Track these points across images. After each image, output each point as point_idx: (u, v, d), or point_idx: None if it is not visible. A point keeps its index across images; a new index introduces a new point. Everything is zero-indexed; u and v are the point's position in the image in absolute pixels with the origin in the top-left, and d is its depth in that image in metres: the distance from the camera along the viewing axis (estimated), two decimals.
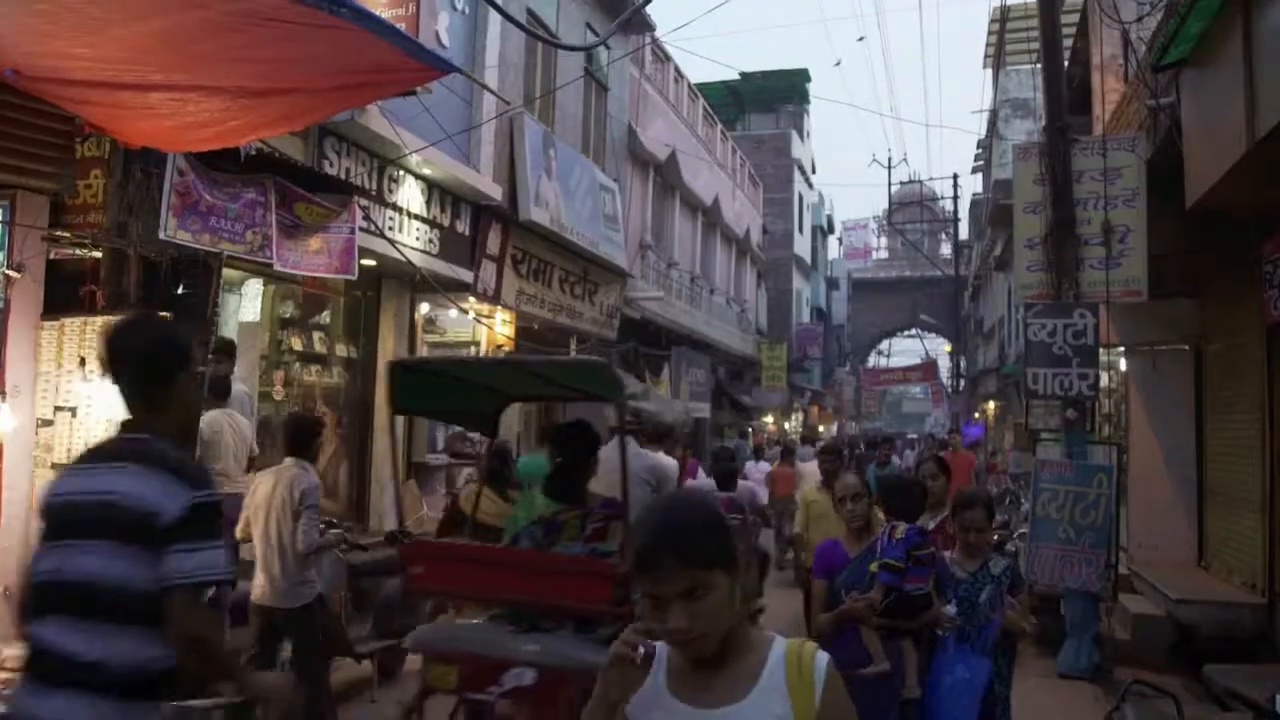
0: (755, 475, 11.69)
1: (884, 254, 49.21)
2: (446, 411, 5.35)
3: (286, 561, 4.80)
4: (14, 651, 4.35)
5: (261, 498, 4.87)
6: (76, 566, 2.21)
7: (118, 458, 2.32)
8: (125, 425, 2.43)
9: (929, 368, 36.55)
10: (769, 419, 28.21)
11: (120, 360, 2.45)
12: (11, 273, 4.73)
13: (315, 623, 5.02)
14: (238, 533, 4.95)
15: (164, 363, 2.45)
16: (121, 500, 2.22)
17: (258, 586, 4.83)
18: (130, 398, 2.45)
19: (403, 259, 8.21)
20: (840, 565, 3.83)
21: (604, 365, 4.28)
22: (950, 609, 3.70)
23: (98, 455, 2.41)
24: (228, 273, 6.53)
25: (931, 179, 48.12)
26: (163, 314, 4.60)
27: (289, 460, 4.93)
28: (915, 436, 32.19)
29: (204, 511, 2.27)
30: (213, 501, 2.32)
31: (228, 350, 6.27)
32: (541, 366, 4.94)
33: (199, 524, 2.25)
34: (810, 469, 9.64)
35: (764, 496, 10.65)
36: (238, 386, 6.55)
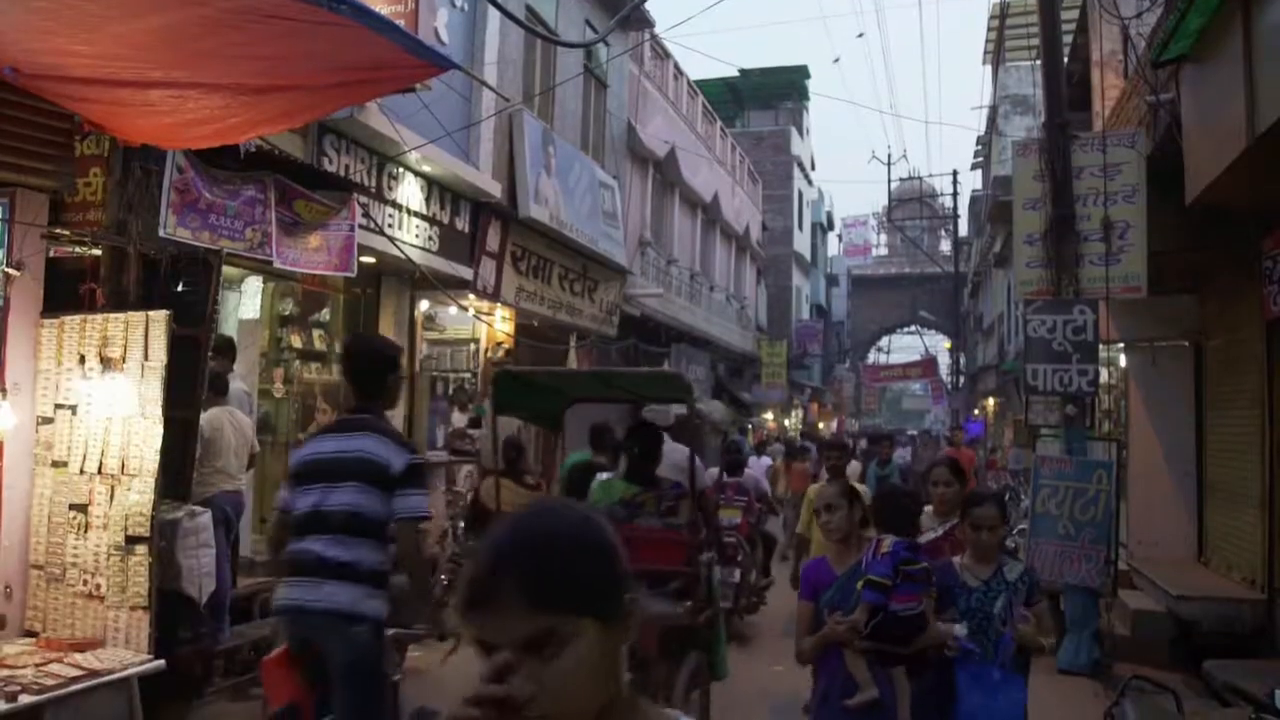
0: (756, 469, 11.83)
1: (884, 251, 49.18)
2: (526, 411, 6.15)
3: None
4: (14, 649, 4.36)
5: None
6: (335, 499, 3.33)
7: (358, 428, 3.45)
8: (354, 409, 3.62)
9: (929, 364, 36.53)
10: (769, 416, 28.23)
11: (354, 364, 3.70)
12: (11, 270, 4.72)
13: None
14: None
15: (382, 368, 3.61)
16: (368, 455, 3.35)
17: None
18: (359, 390, 3.60)
19: (402, 256, 8.21)
20: (826, 584, 3.50)
21: (678, 376, 5.72)
22: (960, 629, 3.33)
23: (342, 427, 3.59)
24: (227, 270, 6.52)
25: (931, 175, 48.05)
26: (166, 310, 4.62)
27: None
28: (914, 434, 32.16)
29: (417, 468, 3.43)
30: (421, 461, 3.51)
31: (226, 347, 6.28)
32: (626, 378, 5.94)
33: (415, 477, 3.39)
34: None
35: (766, 487, 10.97)
36: (236, 384, 6.54)
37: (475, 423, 10.07)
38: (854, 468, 9.98)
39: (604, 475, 5.67)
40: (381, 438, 3.38)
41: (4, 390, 4.61)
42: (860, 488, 5.02)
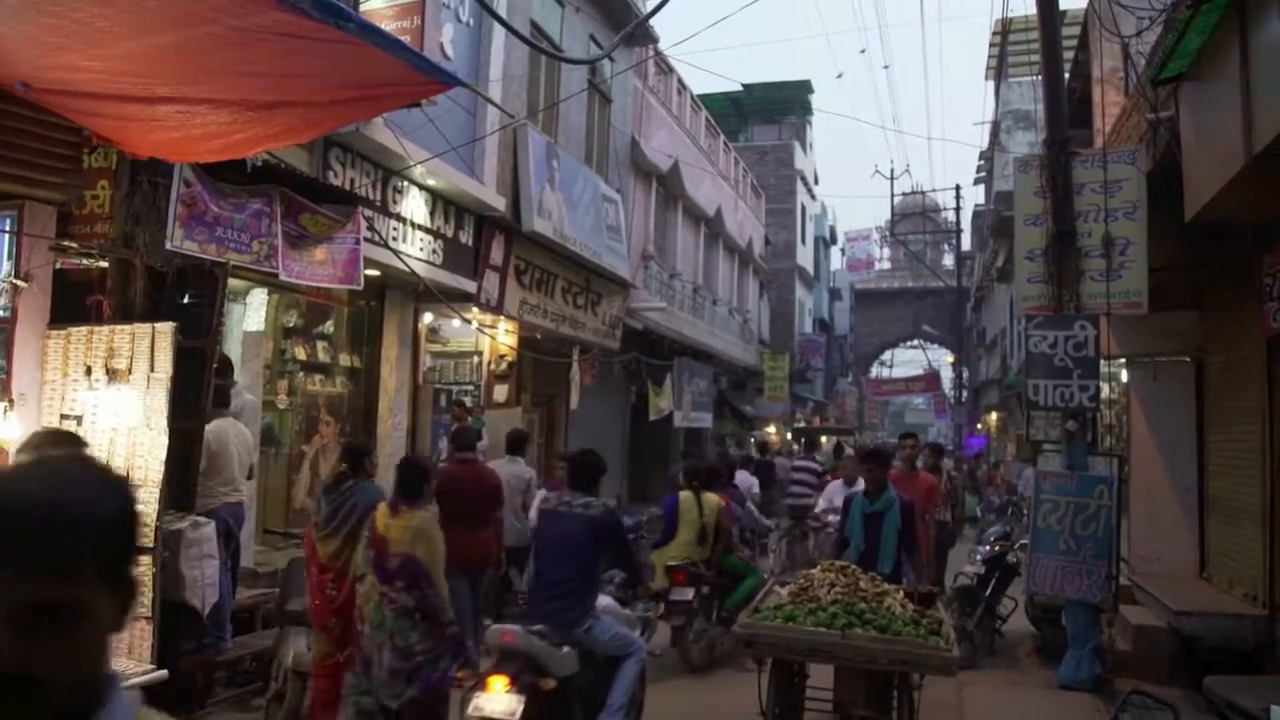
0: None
1: (886, 265, 49.20)
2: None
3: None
4: None
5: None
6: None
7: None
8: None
9: (931, 378, 36.52)
10: (771, 429, 28.21)
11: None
12: (19, 282, 4.77)
13: None
14: None
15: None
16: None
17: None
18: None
19: (406, 269, 8.25)
20: None
21: (850, 432, 18.21)
22: None
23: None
24: (233, 282, 6.57)
25: (934, 190, 48.03)
26: (172, 322, 4.65)
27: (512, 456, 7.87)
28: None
29: None
30: None
31: (224, 366, 6.27)
32: (830, 429, 16.37)
33: None
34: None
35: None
36: (245, 396, 6.57)
37: (478, 434, 10.12)
38: (834, 488, 10.12)
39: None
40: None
41: (10, 401, 4.65)
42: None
